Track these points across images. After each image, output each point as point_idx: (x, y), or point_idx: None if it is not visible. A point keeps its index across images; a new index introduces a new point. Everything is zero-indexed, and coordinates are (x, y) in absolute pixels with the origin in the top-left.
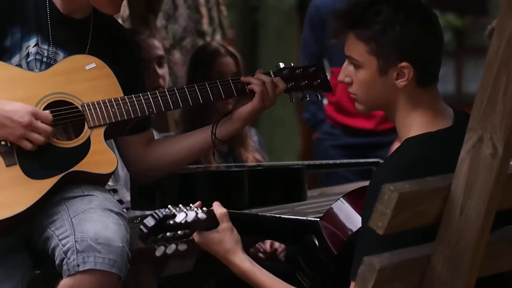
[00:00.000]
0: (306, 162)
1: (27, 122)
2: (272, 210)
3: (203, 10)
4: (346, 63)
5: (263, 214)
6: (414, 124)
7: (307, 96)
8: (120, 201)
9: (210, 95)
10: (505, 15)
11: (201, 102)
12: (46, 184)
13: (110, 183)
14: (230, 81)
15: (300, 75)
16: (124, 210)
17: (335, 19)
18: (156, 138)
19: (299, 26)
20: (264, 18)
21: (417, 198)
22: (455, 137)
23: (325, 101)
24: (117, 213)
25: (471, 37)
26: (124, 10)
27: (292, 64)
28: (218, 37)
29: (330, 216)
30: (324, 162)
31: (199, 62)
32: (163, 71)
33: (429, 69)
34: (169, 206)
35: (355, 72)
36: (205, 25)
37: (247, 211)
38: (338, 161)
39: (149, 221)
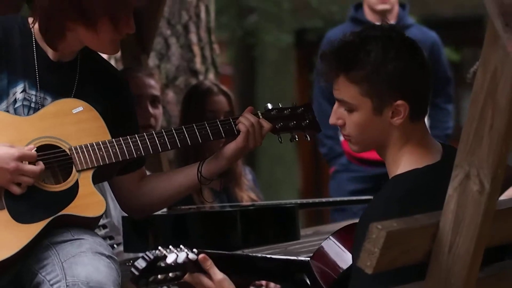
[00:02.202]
0: (299, 201)
1: (13, 168)
2: (265, 250)
3: (196, 49)
4: (336, 105)
5: (254, 254)
6: (402, 160)
7: (296, 137)
8: (111, 237)
9: (198, 136)
10: (489, 48)
11: (189, 143)
12: (34, 229)
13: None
14: (218, 122)
15: (289, 115)
16: (115, 246)
17: (324, 61)
18: None
19: (296, 62)
20: (261, 55)
21: (405, 236)
22: (442, 173)
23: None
24: (108, 257)
25: (469, 70)
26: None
27: (280, 105)
28: (211, 75)
29: (320, 254)
30: (317, 200)
31: (191, 101)
32: (156, 111)
33: (422, 104)
34: (159, 247)
35: (348, 114)
36: (198, 64)
37: (239, 252)
38: (331, 199)
39: (140, 263)
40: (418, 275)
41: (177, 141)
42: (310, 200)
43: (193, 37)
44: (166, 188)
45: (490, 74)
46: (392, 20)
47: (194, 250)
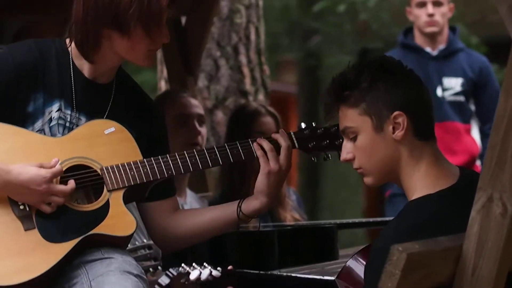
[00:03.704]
0: (338, 221)
1: (45, 189)
2: (302, 269)
3: (245, 70)
4: (344, 141)
5: (280, 273)
6: (417, 186)
7: (329, 155)
8: (155, 259)
9: (230, 156)
10: None
11: (221, 163)
12: (64, 248)
13: (145, 240)
14: (250, 141)
15: (322, 135)
16: (159, 267)
17: (326, 100)
18: (193, 198)
19: None
20: (325, 76)
21: (427, 259)
22: (457, 196)
23: None
24: (136, 275)
25: None
26: (163, 71)
27: (314, 124)
28: (261, 96)
29: (345, 273)
30: (357, 220)
31: (239, 122)
32: (202, 129)
33: (422, 118)
34: (183, 264)
35: (354, 144)
36: (248, 85)
37: (274, 272)
38: (371, 220)
39: (164, 280)
40: None
41: (209, 161)
42: (350, 221)
43: (243, 59)
44: (201, 222)
45: None
46: (442, 44)
47: (218, 268)
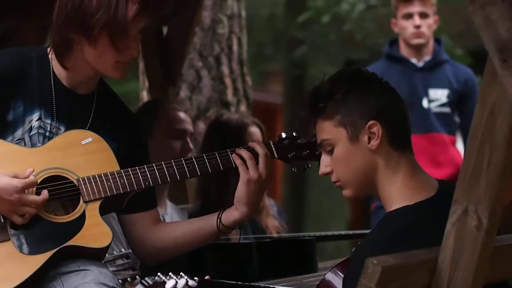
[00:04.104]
0: (318, 234)
1: (16, 199)
2: (280, 282)
3: (227, 81)
4: (322, 155)
5: (257, 284)
6: (395, 197)
7: (309, 166)
8: (133, 268)
9: (208, 167)
10: (487, 85)
11: (199, 174)
12: (40, 260)
13: (123, 249)
14: (229, 152)
15: (302, 144)
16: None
17: (305, 114)
18: (173, 210)
19: None
20: (309, 86)
21: (402, 272)
22: (435, 208)
23: None
24: (112, 287)
25: None
26: (145, 81)
27: (294, 134)
28: (243, 107)
29: (324, 286)
30: (336, 233)
31: (223, 133)
32: (192, 147)
33: (397, 127)
34: (159, 273)
35: (332, 157)
36: (230, 96)
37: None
38: (351, 232)
39: None
40: None
41: (187, 171)
42: (330, 233)
43: (225, 69)
44: (182, 234)
45: (487, 110)
46: (427, 56)
47: (195, 278)
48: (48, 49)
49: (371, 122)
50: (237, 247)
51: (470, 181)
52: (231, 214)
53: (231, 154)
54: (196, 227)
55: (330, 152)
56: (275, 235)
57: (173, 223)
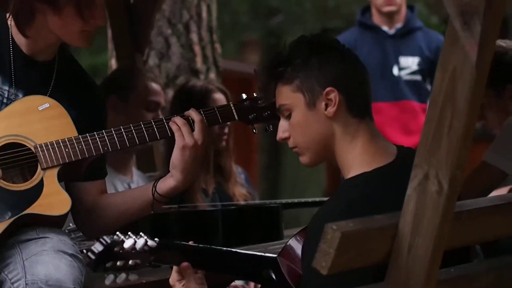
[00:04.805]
0: (284, 201)
1: None
2: (245, 249)
3: (197, 49)
4: (281, 120)
5: (220, 248)
6: (353, 164)
7: (271, 127)
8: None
9: (168, 130)
10: (449, 48)
11: (158, 138)
12: None
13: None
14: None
15: (263, 106)
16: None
17: (261, 80)
18: (140, 178)
19: None
20: None
21: (362, 237)
22: (393, 174)
23: None
24: (71, 255)
25: None
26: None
27: (255, 95)
28: (212, 75)
29: (287, 252)
30: (303, 200)
31: (187, 99)
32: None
33: (356, 95)
34: (117, 232)
35: (289, 122)
36: (199, 64)
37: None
38: (317, 199)
39: (97, 247)
40: (376, 277)
41: (146, 135)
42: (296, 200)
43: (194, 37)
44: (119, 203)
45: (449, 74)
46: (399, 23)
47: (156, 239)
48: (7, 15)
49: (328, 88)
50: (202, 214)
51: (431, 146)
52: (166, 182)
53: (167, 123)
54: (133, 196)
55: (288, 117)
56: (242, 202)
57: (115, 193)
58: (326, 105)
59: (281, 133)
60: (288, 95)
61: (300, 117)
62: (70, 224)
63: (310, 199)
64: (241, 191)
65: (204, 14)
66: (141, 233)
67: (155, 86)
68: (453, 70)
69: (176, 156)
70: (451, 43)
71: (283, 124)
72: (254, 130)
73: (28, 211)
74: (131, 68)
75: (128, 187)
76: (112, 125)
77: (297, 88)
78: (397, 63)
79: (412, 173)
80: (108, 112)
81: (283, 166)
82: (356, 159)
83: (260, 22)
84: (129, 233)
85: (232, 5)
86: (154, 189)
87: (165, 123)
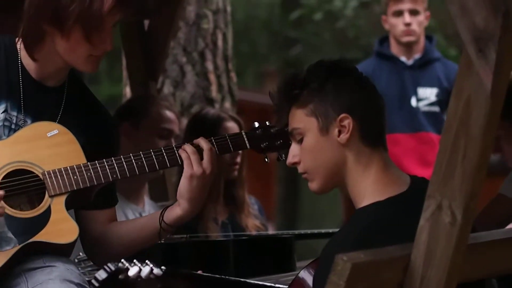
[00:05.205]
0: (296, 232)
1: None
2: (256, 280)
3: (212, 77)
4: (292, 144)
5: (228, 278)
6: (366, 193)
7: (283, 156)
8: None
9: (178, 159)
10: (463, 75)
11: (168, 166)
12: (4, 256)
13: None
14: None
15: (275, 134)
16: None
17: (275, 100)
18: (152, 207)
19: None
20: None
21: (373, 268)
22: (407, 204)
23: None
24: (77, 284)
25: None
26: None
27: (267, 123)
28: (227, 104)
29: (298, 283)
30: (316, 231)
31: (200, 127)
32: None
33: (371, 123)
34: (122, 260)
35: (300, 147)
36: (214, 92)
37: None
38: (331, 230)
39: (101, 274)
40: None
41: (156, 162)
42: (309, 231)
43: (209, 65)
44: (128, 232)
45: (463, 102)
46: (418, 53)
47: (162, 267)
48: (17, 39)
49: (342, 115)
50: (214, 244)
51: (444, 175)
52: (173, 211)
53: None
54: (140, 225)
55: (300, 142)
56: (254, 233)
57: (124, 221)
58: (339, 132)
59: (291, 158)
60: (301, 119)
61: (312, 142)
62: (80, 254)
63: (323, 230)
64: (254, 222)
65: (220, 42)
66: (147, 261)
67: (168, 113)
68: (467, 98)
69: (183, 185)
70: (466, 71)
71: (294, 148)
72: (266, 159)
73: (34, 239)
74: (144, 96)
75: (139, 216)
76: (125, 152)
77: (311, 112)
78: (415, 94)
79: (425, 203)
80: (121, 139)
81: (301, 197)
82: (369, 188)
83: (279, 52)
84: (135, 260)
85: (251, 35)
86: (161, 218)
87: (176, 151)
